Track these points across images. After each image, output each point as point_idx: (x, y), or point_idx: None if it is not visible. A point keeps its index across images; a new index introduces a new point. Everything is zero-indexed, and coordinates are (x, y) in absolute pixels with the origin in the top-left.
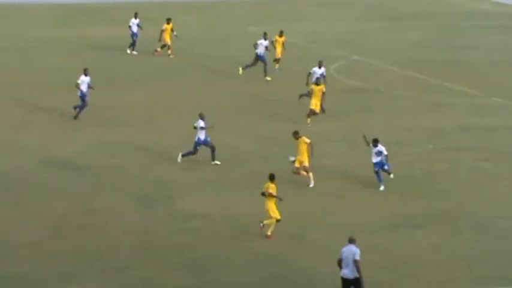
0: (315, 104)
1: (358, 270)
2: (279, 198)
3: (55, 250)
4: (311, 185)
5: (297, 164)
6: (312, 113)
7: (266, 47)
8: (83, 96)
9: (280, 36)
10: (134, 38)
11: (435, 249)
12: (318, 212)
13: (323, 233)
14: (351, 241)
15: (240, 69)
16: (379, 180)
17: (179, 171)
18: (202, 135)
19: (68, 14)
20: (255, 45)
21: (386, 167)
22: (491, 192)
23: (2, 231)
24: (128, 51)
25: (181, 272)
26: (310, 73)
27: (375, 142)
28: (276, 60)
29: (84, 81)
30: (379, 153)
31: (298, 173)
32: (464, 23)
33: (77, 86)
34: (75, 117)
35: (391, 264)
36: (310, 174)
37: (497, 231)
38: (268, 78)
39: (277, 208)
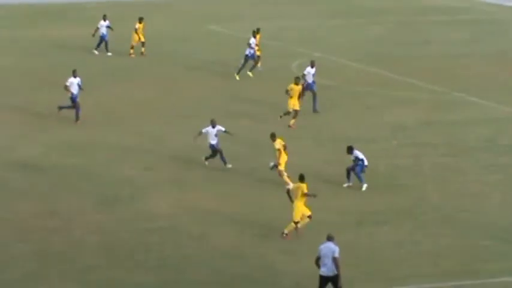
0: (293, 104)
1: (337, 267)
2: (313, 195)
3: (18, 252)
4: (288, 186)
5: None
6: (288, 112)
7: (257, 45)
8: (73, 98)
9: (257, 33)
10: (104, 39)
11: (399, 244)
12: (282, 209)
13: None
14: (330, 238)
15: (249, 72)
16: (347, 177)
17: (142, 171)
18: (214, 141)
19: (28, 14)
20: (249, 45)
21: (358, 173)
22: (454, 187)
23: None
24: (96, 52)
25: (145, 272)
26: (304, 74)
27: (349, 150)
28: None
29: (73, 82)
30: (356, 159)
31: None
32: (426, 19)
33: (66, 88)
34: (59, 109)
35: (355, 260)
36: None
37: (461, 225)
38: (250, 74)
39: (306, 206)
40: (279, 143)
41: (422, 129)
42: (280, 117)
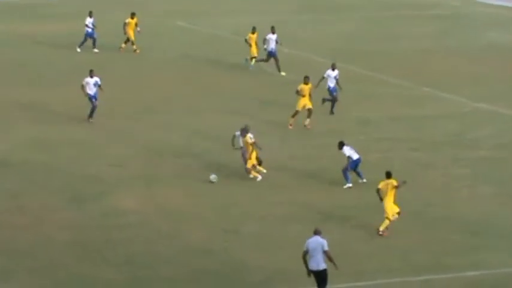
0: (303, 104)
1: (330, 259)
2: (403, 182)
3: None
4: (258, 179)
5: (254, 163)
6: (296, 112)
7: (276, 42)
8: (92, 98)
9: (253, 33)
10: (93, 36)
11: (367, 239)
12: (250, 204)
13: (256, 226)
14: (317, 232)
15: (252, 60)
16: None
17: (110, 168)
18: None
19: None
20: (264, 41)
21: (346, 171)
22: (423, 182)
23: None
24: (78, 49)
25: (114, 268)
26: (323, 77)
27: (340, 146)
28: (252, 58)
29: (88, 82)
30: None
31: (251, 171)
32: (394, 14)
33: (82, 88)
34: (90, 118)
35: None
36: (260, 168)
37: (430, 220)
38: (283, 73)
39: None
40: (249, 138)
41: (390, 124)
42: (290, 125)
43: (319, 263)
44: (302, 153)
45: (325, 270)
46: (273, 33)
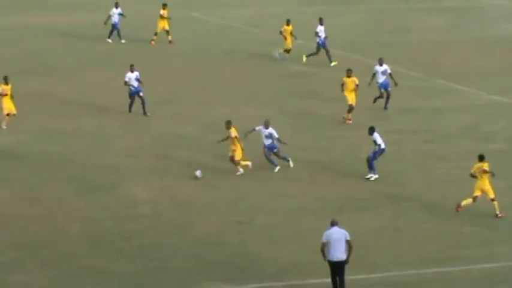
0: (351, 98)
1: (351, 249)
2: (492, 174)
3: None
4: (238, 173)
5: (237, 158)
6: (351, 108)
7: (318, 32)
8: (136, 93)
9: (288, 25)
10: (116, 27)
11: (380, 231)
12: (263, 196)
13: (268, 217)
14: (335, 223)
15: (304, 57)
16: (370, 168)
17: (123, 159)
18: (266, 142)
19: (7, 2)
20: (317, 34)
21: (372, 161)
22: (436, 174)
23: None
24: (109, 40)
25: (127, 260)
26: (374, 74)
27: (371, 131)
28: (287, 51)
29: (131, 77)
30: (374, 142)
31: (238, 164)
32: (406, 6)
33: (125, 83)
34: (145, 113)
35: None
36: (241, 165)
37: (443, 212)
38: (334, 63)
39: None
40: (234, 131)
41: (403, 116)
42: (348, 119)
43: (342, 253)
44: (314, 145)
45: (345, 260)
46: (321, 24)
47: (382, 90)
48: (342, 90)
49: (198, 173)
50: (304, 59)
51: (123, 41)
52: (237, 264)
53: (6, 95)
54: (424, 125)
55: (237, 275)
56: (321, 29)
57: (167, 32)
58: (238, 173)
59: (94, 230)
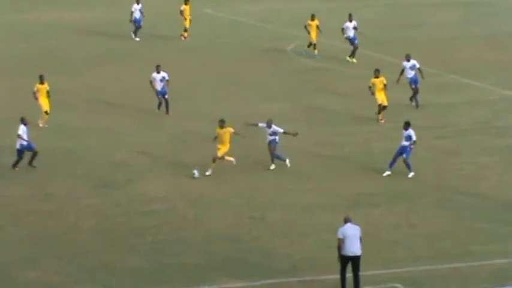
0: (381, 98)
1: (362, 246)
2: None
3: (12, 236)
4: (207, 173)
5: (219, 155)
6: (382, 108)
7: (355, 28)
8: (161, 94)
9: (312, 20)
10: (136, 24)
11: (394, 227)
12: (277, 192)
13: (282, 213)
14: (348, 220)
15: (349, 58)
16: (407, 167)
17: (136, 155)
18: (271, 138)
19: None
20: (343, 30)
21: (404, 156)
22: (449, 169)
23: None
24: (136, 37)
25: (140, 256)
26: (402, 70)
27: (406, 125)
28: (312, 46)
29: (155, 78)
30: (409, 137)
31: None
32: (418, 1)
33: (151, 84)
34: (167, 113)
35: None
36: (213, 165)
37: (457, 207)
38: (354, 60)
39: None
40: (232, 128)
41: (416, 111)
42: (381, 119)
43: (358, 248)
44: (327, 140)
45: (360, 255)
46: (350, 21)
47: (413, 86)
48: (372, 91)
49: (195, 172)
50: (354, 60)
51: (137, 39)
52: (250, 260)
53: (36, 98)
54: (437, 121)
55: (250, 271)
56: (348, 25)
57: (185, 28)
58: (207, 173)
59: (107, 226)
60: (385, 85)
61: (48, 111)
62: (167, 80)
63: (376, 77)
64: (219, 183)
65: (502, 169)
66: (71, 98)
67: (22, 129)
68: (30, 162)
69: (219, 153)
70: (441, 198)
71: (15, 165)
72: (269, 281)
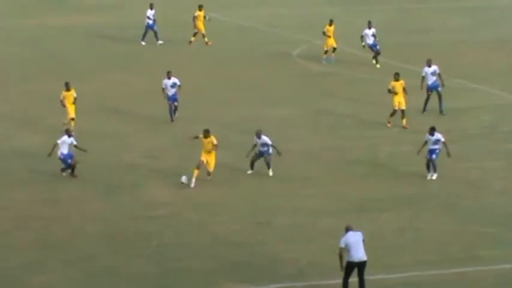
0: (398, 102)
1: None
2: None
3: (18, 240)
4: (192, 185)
5: (203, 158)
6: (401, 112)
7: (374, 35)
8: (172, 100)
9: (330, 25)
10: (154, 28)
11: (400, 231)
12: (283, 196)
13: (288, 218)
14: (349, 229)
15: (375, 62)
16: (433, 168)
17: (142, 159)
18: (262, 149)
19: (27, 3)
20: (362, 38)
21: (434, 157)
22: (455, 174)
23: None
24: (160, 42)
25: (146, 260)
26: (423, 76)
27: (432, 131)
28: (332, 50)
29: (167, 84)
30: (437, 141)
31: (198, 168)
32: (425, 6)
33: (163, 90)
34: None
35: None
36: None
37: (463, 212)
38: (378, 66)
39: None
40: (215, 139)
41: (422, 116)
42: (389, 122)
43: (363, 254)
44: (334, 145)
45: (366, 260)
46: (369, 28)
47: (431, 92)
48: (394, 93)
49: (183, 178)
50: (377, 65)
51: (143, 43)
52: (256, 264)
53: (64, 105)
54: (444, 125)
55: (256, 276)
56: (367, 33)
57: (195, 33)
58: (192, 185)
59: (113, 230)
60: (404, 88)
61: (74, 118)
62: (179, 86)
63: (396, 80)
64: (226, 188)
65: (508, 174)
66: (78, 102)
67: (62, 140)
68: (63, 169)
69: (209, 163)
70: (447, 203)
71: (67, 171)
72: (275, 286)
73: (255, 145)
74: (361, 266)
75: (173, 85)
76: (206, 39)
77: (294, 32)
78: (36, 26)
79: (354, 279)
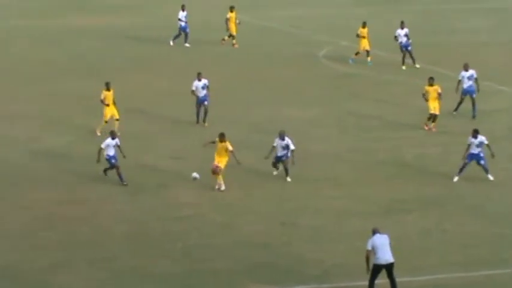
0: (433, 107)
1: None
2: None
3: (44, 240)
4: (222, 188)
5: (216, 162)
6: (433, 116)
7: (406, 35)
8: (202, 102)
9: (364, 27)
10: (186, 30)
11: (427, 233)
12: (307, 197)
13: (314, 219)
14: (376, 231)
15: (417, 65)
16: (485, 171)
17: (168, 160)
18: (281, 153)
19: (49, 4)
20: (396, 38)
21: (482, 162)
22: (482, 176)
23: None
24: (187, 44)
25: (171, 261)
26: (460, 80)
27: (475, 133)
28: (366, 54)
29: (197, 86)
30: (480, 144)
31: (217, 173)
32: (451, 7)
33: (193, 92)
34: (204, 122)
35: None
36: (220, 177)
37: (489, 214)
38: (417, 66)
39: None
40: (230, 145)
41: (449, 117)
42: (426, 125)
43: (390, 256)
44: (360, 146)
45: (394, 262)
46: (402, 28)
47: (464, 95)
48: (425, 99)
49: (194, 174)
50: (417, 65)
51: (171, 43)
52: (281, 265)
53: (108, 104)
54: (470, 127)
55: (281, 277)
56: (399, 33)
57: (230, 35)
58: (222, 188)
59: (139, 230)
60: (439, 94)
61: (118, 117)
62: (208, 86)
63: (431, 85)
64: (250, 189)
65: None
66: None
67: (105, 143)
68: (105, 170)
69: (221, 165)
70: (474, 205)
71: (113, 172)
72: (300, 287)
73: (274, 147)
74: (388, 267)
75: (204, 86)
76: (234, 42)
77: (319, 33)
78: (59, 27)
79: (379, 281)
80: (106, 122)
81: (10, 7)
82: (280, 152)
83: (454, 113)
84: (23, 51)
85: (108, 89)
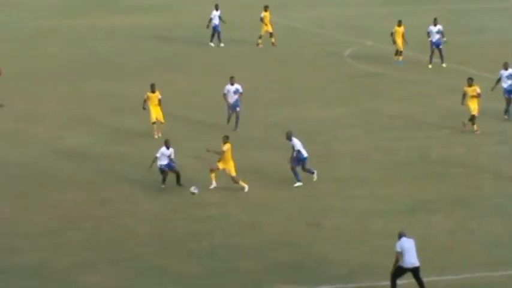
0: (473, 108)
1: None
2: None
3: (69, 240)
4: (246, 190)
5: (218, 164)
6: (473, 118)
7: (438, 32)
8: (234, 107)
9: (399, 26)
10: (217, 30)
11: (451, 233)
12: (332, 197)
13: (339, 219)
14: (403, 234)
15: (444, 64)
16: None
17: (191, 159)
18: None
19: (75, 4)
20: (428, 34)
21: None
22: (508, 176)
23: (16, 222)
24: (212, 44)
25: (195, 261)
26: (499, 78)
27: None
28: (399, 53)
29: (229, 90)
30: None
31: (237, 182)
32: (477, 6)
33: (224, 96)
34: (236, 128)
35: None
36: (240, 182)
37: None
38: (444, 65)
39: None
40: (227, 146)
41: (476, 117)
42: (464, 125)
43: (416, 260)
44: (384, 146)
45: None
46: (435, 25)
47: (507, 95)
48: (463, 99)
49: (193, 188)
50: (444, 64)
51: (212, 44)
52: (306, 265)
53: (144, 108)
54: (496, 127)
55: (306, 277)
56: (431, 29)
57: (270, 34)
58: (245, 190)
59: (163, 230)
60: (478, 94)
61: (163, 121)
62: (241, 93)
63: (469, 85)
64: (275, 189)
65: None
66: (127, 102)
67: (160, 152)
68: (177, 182)
69: (232, 173)
70: (500, 205)
71: (162, 182)
72: (326, 287)
73: (294, 151)
74: (415, 271)
75: (236, 91)
76: (273, 40)
77: (344, 32)
78: (84, 27)
79: (402, 281)
80: (153, 123)
81: (40, 8)
82: (294, 152)
83: (506, 117)
84: (52, 51)
85: (153, 91)
